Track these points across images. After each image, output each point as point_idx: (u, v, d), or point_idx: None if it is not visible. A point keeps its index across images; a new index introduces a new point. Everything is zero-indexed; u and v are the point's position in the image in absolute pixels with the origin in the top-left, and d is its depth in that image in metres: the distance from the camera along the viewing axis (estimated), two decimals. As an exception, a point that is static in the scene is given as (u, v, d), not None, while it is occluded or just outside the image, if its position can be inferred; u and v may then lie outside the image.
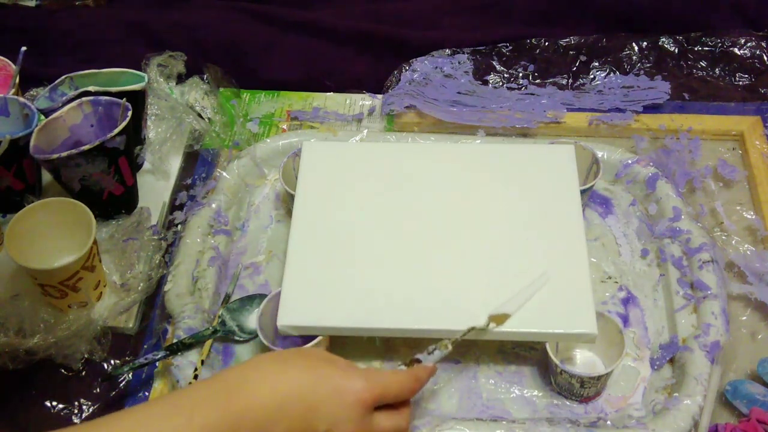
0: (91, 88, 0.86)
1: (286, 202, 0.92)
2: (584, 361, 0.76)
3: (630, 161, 0.90)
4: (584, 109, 0.99)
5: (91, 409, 0.77)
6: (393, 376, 0.62)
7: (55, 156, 0.80)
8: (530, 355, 0.78)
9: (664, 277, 0.83)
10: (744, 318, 0.80)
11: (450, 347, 0.67)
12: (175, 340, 0.76)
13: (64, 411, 0.77)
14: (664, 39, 1.07)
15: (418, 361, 0.66)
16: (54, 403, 0.77)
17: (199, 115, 1.00)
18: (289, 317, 0.73)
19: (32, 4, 1.23)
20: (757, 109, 0.99)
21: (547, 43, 1.08)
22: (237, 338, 0.79)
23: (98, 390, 0.78)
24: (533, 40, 1.08)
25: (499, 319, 0.70)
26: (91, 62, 0.97)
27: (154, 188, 0.94)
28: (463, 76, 1.04)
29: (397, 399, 0.62)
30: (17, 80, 0.91)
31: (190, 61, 1.03)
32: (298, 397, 0.57)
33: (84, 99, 0.85)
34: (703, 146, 0.94)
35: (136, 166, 0.93)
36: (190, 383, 0.74)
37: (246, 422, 0.55)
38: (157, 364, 0.78)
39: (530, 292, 0.72)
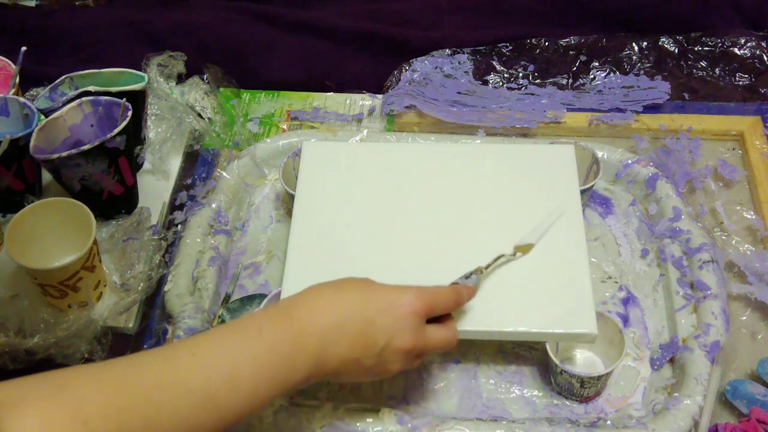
0: (91, 88, 0.86)
1: (286, 202, 0.92)
2: (584, 361, 0.76)
3: (630, 161, 0.90)
4: (584, 109, 0.99)
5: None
6: (441, 290, 0.66)
7: (55, 156, 0.80)
8: (530, 355, 0.78)
9: (664, 277, 0.83)
10: (744, 318, 0.80)
11: (485, 272, 0.72)
12: (175, 340, 0.76)
13: (64, 411, 0.76)
14: (664, 39, 1.07)
15: (456, 284, 0.69)
16: (54, 403, 0.77)
17: (199, 115, 1.00)
18: (289, 317, 0.73)
19: (32, 4, 1.23)
20: (757, 109, 0.99)
21: (547, 43, 1.08)
22: (237, 338, 0.79)
23: (98, 390, 0.78)
24: (533, 40, 1.08)
25: (525, 248, 0.75)
26: (91, 62, 0.97)
27: (154, 188, 0.94)
28: (463, 76, 1.04)
29: (443, 311, 0.66)
30: (17, 80, 0.91)
31: (190, 61, 1.03)
32: (357, 314, 0.61)
33: (84, 99, 0.85)
34: (703, 146, 0.94)
35: (136, 166, 0.93)
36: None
37: (310, 338, 0.59)
38: (157, 364, 0.78)
39: (549, 223, 0.77)
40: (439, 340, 0.65)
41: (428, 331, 0.64)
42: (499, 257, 0.73)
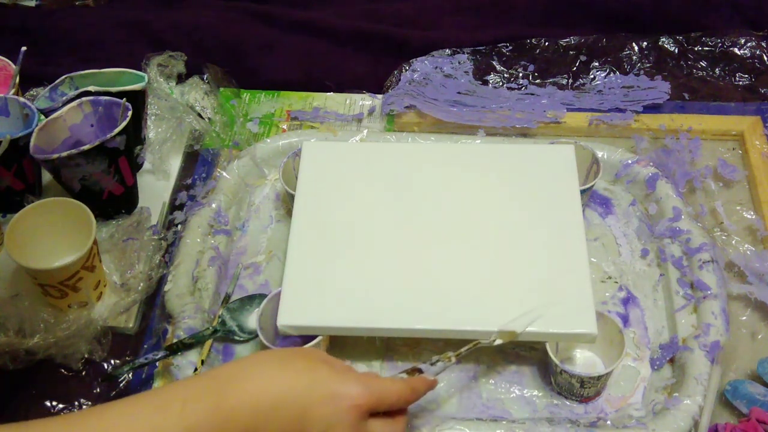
0: (91, 88, 0.86)
1: (286, 202, 0.92)
2: (584, 361, 0.76)
3: (630, 161, 0.90)
4: (584, 109, 0.99)
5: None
6: (391, 385, 0.61)
7: (55, 156, 0.80)
8: (530, 355, 0.78)
9: (664, 277, 0.83)
10: (744, 318, 0.80)
11: (453, 360, 0.67)
12: (175, 340, 0.76)
13: (64, 411, 0.76)
14: (664, 39, 1.07)
15: (420, 371, 0.64)
16: (54, 403, 0.77)
17: (199, 115, 1.00)
18: (289, 317, 0.73)
19: (32, 4, 1.23)
20: (757, 109, 0.99)
21: (547, 43, 1.08)
22: (237, 338, 0.79)
23: (98, 390, 0.78)
24: (533, 40, 1.08)
25: (507, 335, 0.70)
26: (91, 62, 0.97)
27: (154, 188, 0.94)
28: (463, 76, 1.04)
29: (392, 408, 0.61)
30: (17, 80, 0.91)
31: (190, 61, 1.03)
32: (293, 398, 0.56)
33: (84, 99, 0.85)
34: (703, 146, 0.94)
35: (136, 166, 0.93)
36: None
37: (237, 421, 0.54)
38: (157, 364, 0.78)
39: (538, 313, 0.71)
40: None
41: (370, 427, 0.59)
42: (475, 343, 0.69)
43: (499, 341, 0.70)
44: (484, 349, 0.78)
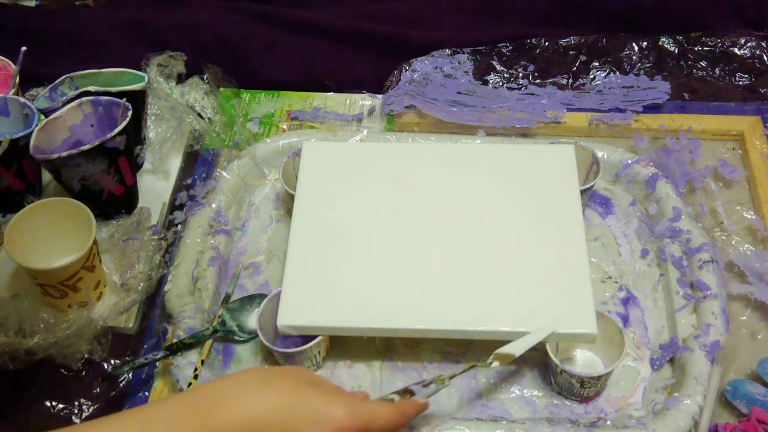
0: (91, 88, 0.86)
1: (286, 202, 0.92)
2: (584, 361, 0.76)
3: (630, 161, 0.90)
4: (584, 109, 0.99)
5: (91, 409, 0.77)
6: (379, 409, 0.59)
7: (55, 156, 0.80)
8: (530, 355, 0.78)
9: (664, 277, 0.83)
10: (744, 318, 0.80)
11: (447, 382, 0.66)
12: (175, 340, 0.76)
13: (64, 411, 0.77)
14: (664, 39, 1.07)
15: (411, 392, 0.63)
16: (54, 403, 0.77)
17: (199, 115, 1.00)
18: (289, 317, 0.73)
19: (32, 4, 1.23)
20: (757, 109, 0.99)
21: (547, 43, 1.08)
22: (237, 338, 0.79)
23: (98, 390, 0.78)
24: (533, 40, 1.08)
25: (504, 358, 0.68)
26: (91, 62, 0.97)
27: (154, 188, 0.94)
28: (463, 76, 1.04)
29: (381, 431, 0.59)
30: (17, 80, 0.91)
31: (190, 61, 1.03)
32: (277, 420, 0.55)
33: (84, 99, 0.85)
34: (703, 146, 0.94)
35: (136, 166, 0.93)
36: (189, 383, 0.74)
37: None
38: (157, 364, 0.78)
39: (538, 336, 0.70)
40: None
41: None
42: (471, 366, 0.68)
43: (496, 364, 0.68)
44: (485, 349, 0.78)
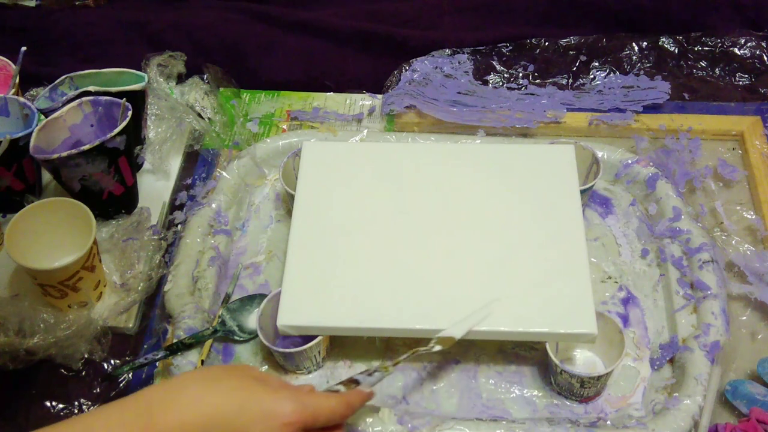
0: (91, 88, 0.86)
1: (286, 202, 0.92)
2: (584, 361, 0.76)
3: (630, 161, 0.90)
4: (584, 109, 0.99)
5: (90, 409, 0.77)
6: (325, 401, 0.60)
7: (55, 156, 0.80)
8: (530, 355, 0.78)
9: (664, 277, 0.83)
10: (744, 318, 0.80)
11: (392, 369, 0.66)
12: (175, 340, 0.76)
13: (64, 411, 0.77)
14: (664, 39, 1.07)
15: (357, 382, 0.64)
16: (54, 403, 0.77)
17: (199, 115, 1.00)
18: (289, 317, 0.73)
19: (32, 4, 1.23)
20: (757, 109, 0.99)
21: (547, 43, 1.08)
22: (237, 338, 0.79)
23: (98, 390, 0.78)
24: (533, 40, 1.08)
25: (445, 341, 0.69)
26: (91, 62, 0.97)
27: (154, 188, 0.94)
28: (463, 76, 1.04)
29: (327, 424, 0.60)
30: (17, 80, 0.91)
31: (190, 61, 1.03)
32: (224, 419, 0.55)
33: (84, 99, 0.85)
34: (703, 146, 0.94)
35: (136, 166, 0.93)
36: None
37: None
38: (157, 364, 0.78)
39: (478, 317, 0.71)
40: None
41: None
42: (414, 351, 0.68)
43: (438, 347, 0.69)
44: (485, 349, 0.78)
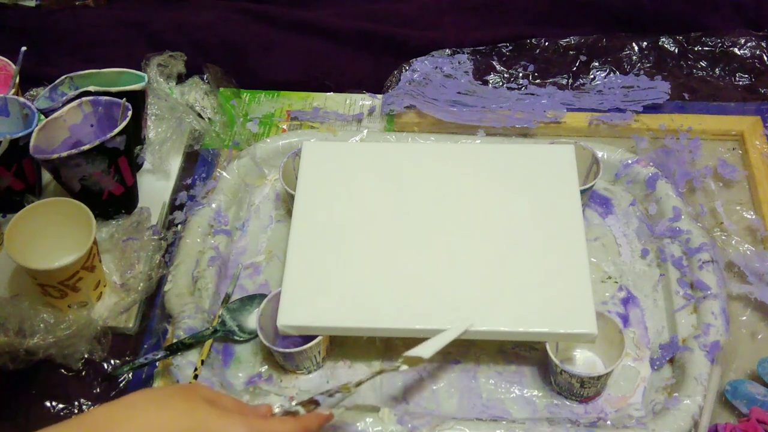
0: (91, 88, 0.86)
1: (286, 202, 0.92)
2: (584, 361, 0.76)
3: (630, 161, 0.90)
4: (584, 109, 0.99)
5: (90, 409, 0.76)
6: (279, 426, 0.58)
7: (55, 156, 0.80)
8: (530, 355, 0.78)
9: (664, 277, 0.83)
10: (744, 318, 0.80)
11: (354, 390, 0.64)
12: (175, 340, 0.76)
13: (64, 411, 0.77)
14: (664, 39, 1.07)
15: (317, 403, 0.62)
16: (54, 403, 0.77)
17: (199, 115, 1.00)
18: (289, 317, 0.73)
19: (32, 4, 1.23)
20: (757, 109, 0.99)
21: (547, 43, 1.08)
22: (237, 338, 0.79)
23: (98, 390, 0.78)
24: (533, 40, 1.08)
25: (412, 361, 0.67)
26: (91, 62, 0.97)
27: (154, 188, 0.94)
28: (463, 76, 1.04)
29: None
30: (17, 80, 0.91)
31: (190, 61, 1.03)
32: None
33: (84, 99, 0.85)
34: (703, 146, 0.94)
35: (136, 166, 0.93)
36: (190, 382, 0.74)
37: None
38: (157, 364, 0.78)
39: (447, 337, 0.69)
40: None
41: None
42: (379, 372, 0.67)
43: (404, 368, 0.67)
44: (485, 349, 0.78)
